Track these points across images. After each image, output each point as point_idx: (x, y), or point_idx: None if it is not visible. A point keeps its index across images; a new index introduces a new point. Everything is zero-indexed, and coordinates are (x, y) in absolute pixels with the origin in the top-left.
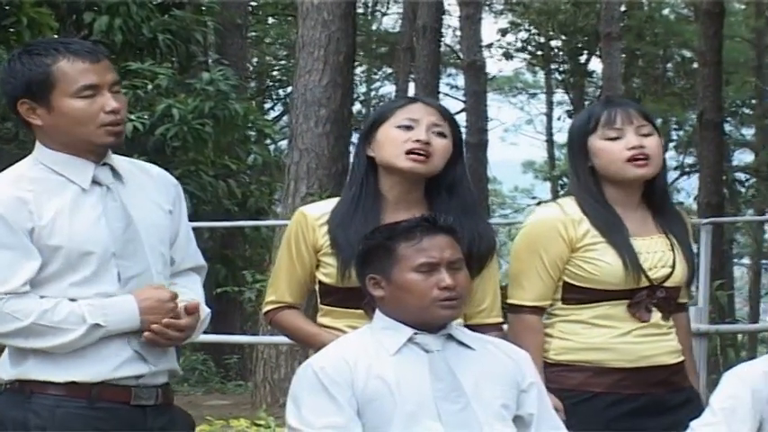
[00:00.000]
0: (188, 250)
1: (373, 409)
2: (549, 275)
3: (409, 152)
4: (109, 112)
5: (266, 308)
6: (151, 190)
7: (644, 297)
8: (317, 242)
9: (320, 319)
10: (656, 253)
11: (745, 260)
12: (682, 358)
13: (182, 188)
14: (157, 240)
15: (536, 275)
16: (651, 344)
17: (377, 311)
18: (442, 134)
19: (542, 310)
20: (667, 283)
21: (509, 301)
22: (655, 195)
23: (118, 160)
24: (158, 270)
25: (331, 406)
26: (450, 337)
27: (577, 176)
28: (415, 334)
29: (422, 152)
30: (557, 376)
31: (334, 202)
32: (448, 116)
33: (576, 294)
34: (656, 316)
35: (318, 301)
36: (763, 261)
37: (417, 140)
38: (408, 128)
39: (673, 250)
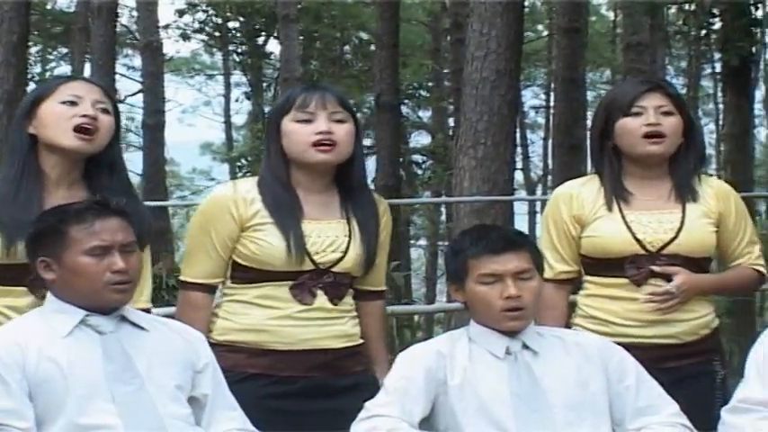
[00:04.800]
0: None
1: (45, 391)
2: (218, 254)
3: (77, 129)
4: None
5: None
6: None
7: (307, 280)
8: None
9: None
10: (329, 237)
11: (422, 242)
12: (353, 343)
13: None
14: None
15: (205, 253)
16: (313, 328)
17: (48, 294)
18: (106, 111)
19: (211, 287)
20: (336, 269)
21: (180, 276)
22: (346, 180)
23: None
24: None
25: (1, 389)
26: (124, 318)
27: (268, 155)
28: (88, 316)
29: (89, 127)
30: (217, 356)
31: None
32: (108, 94)
33: (243, 273)
34: (322, 300)
35: None
36: (440, 243)
37: (84, 115)
38: (73, 103)
39: (350, 236)
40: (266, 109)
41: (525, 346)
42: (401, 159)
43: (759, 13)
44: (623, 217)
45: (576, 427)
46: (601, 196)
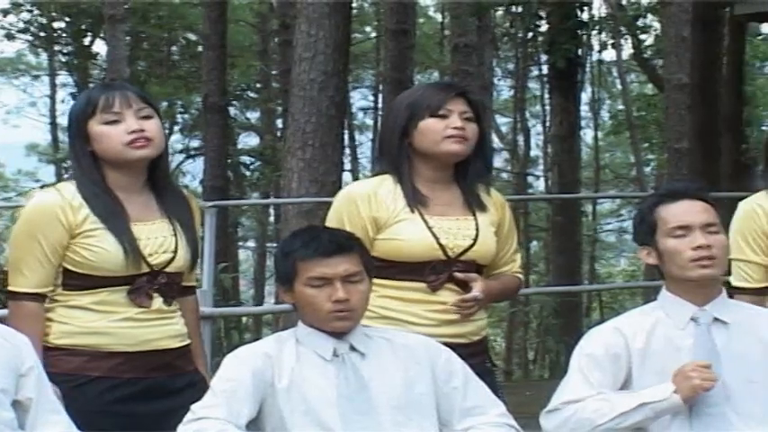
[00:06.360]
0: None
1: None
2: (49, 262)
3: None
4: None
5: None
6: None
7: (144, 283)
8: None
9: None
10: (158, 238)
11: (251, 243)
12: (186, 342)
13: None
14: None
15: (36, 262)
16: (153, 328)
17: None
18: None
19: (43, 296)
20: (168, 269)
21: (9, 288)
22: (157, 178)
23: None
24: None
25: None
26: None
27: (78, 161)
28: None
29: None
30: (56, 360)
31: None
32: None
33: (76, 280)
34: (158, 301)
35: None
36: (269, 244)
37: None
38: None
39: (175, 235)
40: None
41: (353, 348)
42: (229, 160)
43: (585, 16)
44: (425, 221)
45: (404, 428)
46: (398, 198)
